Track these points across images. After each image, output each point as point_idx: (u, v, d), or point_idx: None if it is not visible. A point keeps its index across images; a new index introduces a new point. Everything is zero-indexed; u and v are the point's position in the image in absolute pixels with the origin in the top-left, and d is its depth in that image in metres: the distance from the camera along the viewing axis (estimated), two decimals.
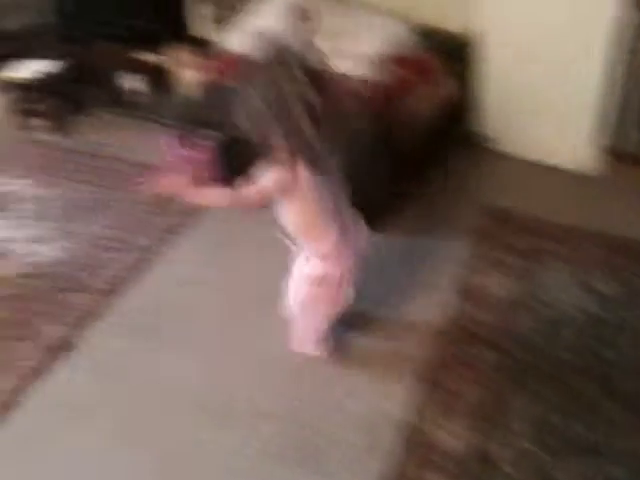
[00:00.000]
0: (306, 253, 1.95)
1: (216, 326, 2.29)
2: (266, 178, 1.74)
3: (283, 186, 1.74)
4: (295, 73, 1.63)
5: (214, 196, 1.88)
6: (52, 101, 3.24)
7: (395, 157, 2.52)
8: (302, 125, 1.63)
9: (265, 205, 1.81)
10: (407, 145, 2.53)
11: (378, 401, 2.01)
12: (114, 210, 2.74)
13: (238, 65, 2.60)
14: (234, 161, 2.71)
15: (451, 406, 1.99)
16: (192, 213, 2.69)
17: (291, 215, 1.84)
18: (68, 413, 2.02)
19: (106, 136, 3.15)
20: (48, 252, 2.56)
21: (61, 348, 2.20)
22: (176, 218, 2.70)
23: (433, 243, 2.57)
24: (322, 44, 2.56)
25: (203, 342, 2.23)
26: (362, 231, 2.01)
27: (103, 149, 3.05)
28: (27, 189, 2.88)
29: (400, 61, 2.53)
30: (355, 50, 2.52)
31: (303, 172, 1.72)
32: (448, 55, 2.69)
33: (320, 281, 1.94)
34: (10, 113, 3.25)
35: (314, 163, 1.71)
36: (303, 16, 2.64)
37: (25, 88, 3.21)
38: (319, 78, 1.65)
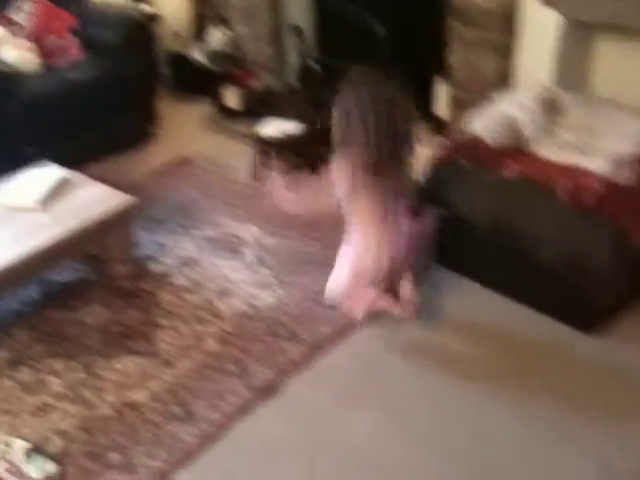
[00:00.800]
0: (354, 228, 2.35)
1: (416, 400, 2.28)
2: (334, 171, 2.25)
3: (346, 178, 2.21)
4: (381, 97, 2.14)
5: (298, 201, 2.40)
6: (290, 159, 3.47)
7: (629, 262, 2.40)
8: (371, 135, 2.11)
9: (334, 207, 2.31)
10: None
11: None
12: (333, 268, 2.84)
13: (473, 149, 2.65)
14: (449, 241, 2.74)
15: None
16: None
17: (351, 204, 2.29)
18: (260, 454, 2.10)
19: None
20: (267, 297, 2.71)
21: (266, 391, 2.30)
22: None
23: None
24: (568, 137, 2.56)
25: (397, 411, 2.23)
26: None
27: None
28: (258, 236, 3.09)
29: None
30: (602, 147, 2.46)
31: (361, 169, 2.17)
32: None
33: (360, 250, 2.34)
34: (253, 164, 3.53)
35: (372, 166, 2.15)
36: (550, 108, 2.63)
37: (269, 144, 3.48)
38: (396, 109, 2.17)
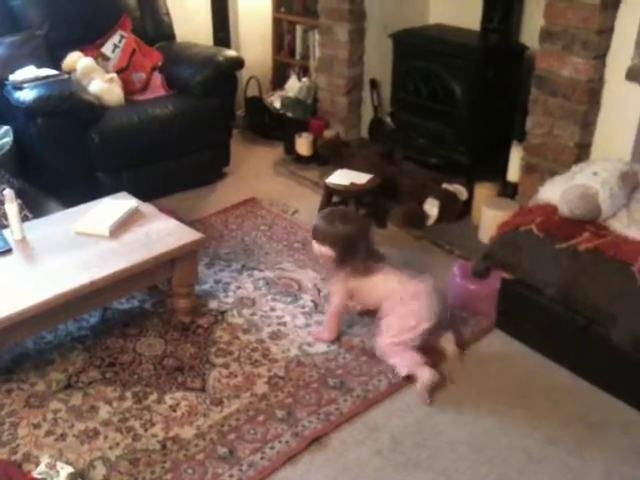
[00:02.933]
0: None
1: (467, 462, 2.20)
2: (336, 285, 2.72)
3: (346, 284, 2.68)
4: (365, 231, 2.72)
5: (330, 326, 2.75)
6: (358, 209, 3.47)
7: None
8: (358, 252, 2.63)
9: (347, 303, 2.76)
10: None
11: None
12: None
13: (546, 216, 2.61)
14: (512, 305, 2.69)
15: None
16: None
17: (358, 295, 2.73)
18: None
19: (394, 250, 3.30)
20: (320, 345, 2.69)
21: (312, 440, 2.27)
22: None
23: None
24: None
25: (447, 473, 2.16)
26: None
27: (391, 262, 3.18)
28: (316, 282, 3.10)
29: None
30: None
31: (353, 274, 2.67)
32: None
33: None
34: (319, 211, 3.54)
35: (360, 270, 2.66)
36: (629, 183, 2.57)
37: (338, 193, 3.50)
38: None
